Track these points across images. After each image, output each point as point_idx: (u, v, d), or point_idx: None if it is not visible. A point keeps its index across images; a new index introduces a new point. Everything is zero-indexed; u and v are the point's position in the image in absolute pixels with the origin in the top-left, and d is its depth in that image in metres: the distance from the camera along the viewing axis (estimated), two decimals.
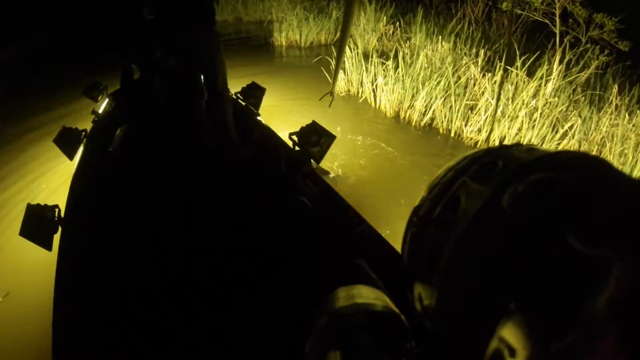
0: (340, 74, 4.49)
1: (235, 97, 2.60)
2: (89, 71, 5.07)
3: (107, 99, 2.74)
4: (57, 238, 1.51)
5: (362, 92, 4.42)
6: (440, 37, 4.98)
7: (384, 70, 4.28)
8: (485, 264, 0.32)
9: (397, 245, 0.54)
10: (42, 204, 1.63)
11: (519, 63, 3.96)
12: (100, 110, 2.65)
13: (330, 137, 1.87)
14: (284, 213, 1.45)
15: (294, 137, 1.91)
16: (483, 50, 4.54)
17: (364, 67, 4.40)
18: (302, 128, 1.93)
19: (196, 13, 2.19)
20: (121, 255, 1.36)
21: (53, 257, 1.41)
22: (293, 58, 6.24)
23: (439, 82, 3.91)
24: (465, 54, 4.54)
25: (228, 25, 7.99)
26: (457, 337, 0.35)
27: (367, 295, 0.48)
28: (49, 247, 1.50)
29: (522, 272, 0.29)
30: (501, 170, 0.36)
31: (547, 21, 4.76)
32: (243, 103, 2.55)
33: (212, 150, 1.98)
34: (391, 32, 6.00)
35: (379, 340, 0.43)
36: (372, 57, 4.40)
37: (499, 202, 0.33)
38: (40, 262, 1.97)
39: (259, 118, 2.45)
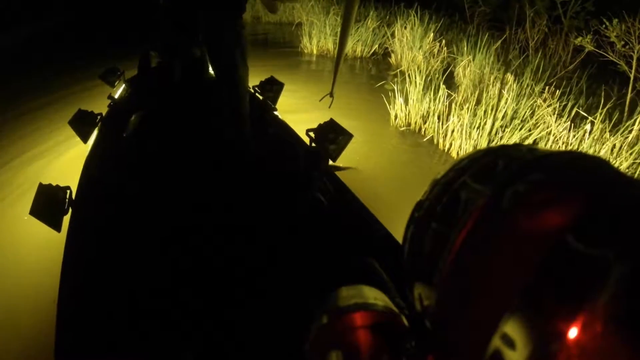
0: (400, 104, 3.91)
1: (253, 91, 2.59)
2: (102, 55, 5.16)
3: (123, 85, 2.74)
4: (66, 219, 1.51)
5: (425, 129, 3.85)
6: (501, 65, 4.48)
7: (457, 107, 3.73)
8: (485, 264, 0.32)
9: None
10: (54, 184, 1.62)
11: (599, 115, 3.49)
12: (117, 96, 2.64)
13: (348, 136, 1.86)
14: (299, 209, 1.44)
15: (311, 134, 1.89)
16: (555, 89, 4.07)
17: (429, 99, 3.83)
18: (319, 125, 1.91)
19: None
20: (130, 243, 1.36)
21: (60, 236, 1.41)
22: (330, 71, 5.57)
23: (528, 134, 3.41)
24: (536, 93, 4.05)
25: (246, 24, 7.22)
26: (457, 337, 0.35)
27: (367, 294, 0.47)
28: (58, 228, 1.49)
29: (521, 273, 0.29)
30: (502, 170, 0.35)
31: (622, 63, 4.34)
32: (260, 97, 2.56)
33: (229, 144, 1.97)
34: (436, 50, 5.45)
35: (379, 340, 0.42)
36: (438, 88, 3.84)
37: (499, 201, 0.32)
38: (46, 239, 1.93)
39: (275, 113, 2.44)
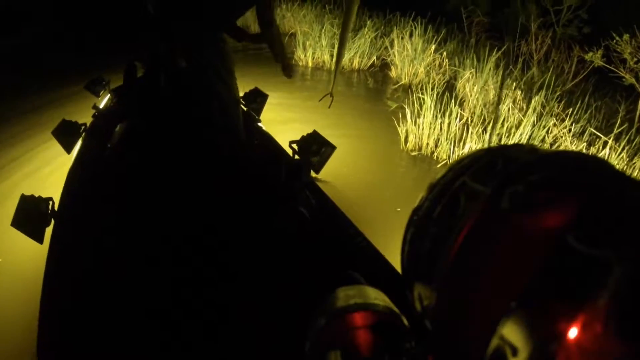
0: (410, 125, 3.66)
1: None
2: (87, 64, 5.11)
3: (108, 95, 2.70)
4: (48, 231, 1.49)
5: (438, 153, 3.61)
6: (507, 80, 4.29)
7: (472, 130, 3.51)
8: (484, 264, 0.31)
9: (393, 260, 0.51)
10: (37, 195, 1.61)
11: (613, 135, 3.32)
12: (102, 106, 2.60)
13: (331, 147, 1.87)
14: (281, 222, 1.44)
15: (294, 146, 1.90)
16: (565, 107, 3.90)
17: (440, 120, 3.59)
18: (302, 137, 1.92)
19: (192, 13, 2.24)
20: (114, 253, 1.35)
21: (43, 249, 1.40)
22: (328, 84, 5.25)
23: None
24: (550, 113, 3.86)
25: (225, 38, 6.85)
26: (457, 337, 0.34)
27: (368, 294, 0.47)
28: (40, 239, 1.48)
29: (521, 273, 0.29)
30: (501, 170, 0.35)
31: (628, 77, 4.21)
32: (245, 108, 2.55)
33: (224, 153, 1.97)
34: (437, 62, 5.24)
35: (379, 340, 0.42)
36: (447, 106, 3.61)
37: (499, 202, 0.32)
38: (30, 253, 1.90)
39: (259, 124, 2.45)
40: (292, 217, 1.45)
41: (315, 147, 1.85)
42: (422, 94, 3.76)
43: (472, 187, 0.35)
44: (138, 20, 2.55)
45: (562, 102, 4.09)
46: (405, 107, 3.67)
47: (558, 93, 4.15)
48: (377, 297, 0.46)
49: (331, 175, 3.01)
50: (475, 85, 4.38)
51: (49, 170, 3.24)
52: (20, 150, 3.59)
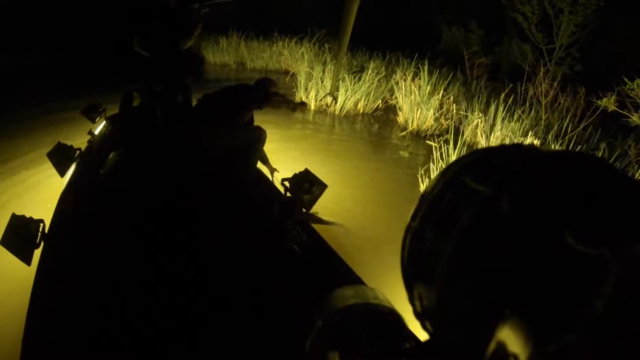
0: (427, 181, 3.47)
1: None
2: (83, 92, 5.35)
3: (104, 122, 2.78)
4: (37, 253, 1.46)
5: None
6: (518, 125, 4.19)
7: None
8: (483, 264, 0.31)
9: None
10: (28, 216, 1.60)
11: None
12: (97, 132, 2.67)
13: (322, 186, 1.88)
14: (273, 258, 1.46)
15: (286, 183, 1.92)
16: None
17: None
18: (294, 175, 1.95)
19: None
20: (101, 278, 1.35)
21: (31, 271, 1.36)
22: (330, 130, 5.09)
23: None
24: None
25: (230, 70, 6.72)
26: (457, 339, 0.34)
27: (367, 294, 0.46)
28: (28, 261, 1.44)
29: (520, 273, 0.28)
30: (501, 170, 0.34)
31: (637, 118, 4.19)
32: None
33: (221, 187, 2.02)
34: (445, 107, 5.13)
35: (379, 340, 0.42)
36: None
37: (498, 202, 0.31)
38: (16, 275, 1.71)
39: None
40: (284, 254, 1.48)
41: (307, 185, 1.90)
42: (434, 142, 3.63)
43: (471, 187, 0.34)
44: (135, 57, 2.68)
45: (577, 146, 4.03)
46: (431, 164, 3.49)
47: (569, 136, 4.08)
48: (376, 297, 0.46)
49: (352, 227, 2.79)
50: (493, 133, 4.27)
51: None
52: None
